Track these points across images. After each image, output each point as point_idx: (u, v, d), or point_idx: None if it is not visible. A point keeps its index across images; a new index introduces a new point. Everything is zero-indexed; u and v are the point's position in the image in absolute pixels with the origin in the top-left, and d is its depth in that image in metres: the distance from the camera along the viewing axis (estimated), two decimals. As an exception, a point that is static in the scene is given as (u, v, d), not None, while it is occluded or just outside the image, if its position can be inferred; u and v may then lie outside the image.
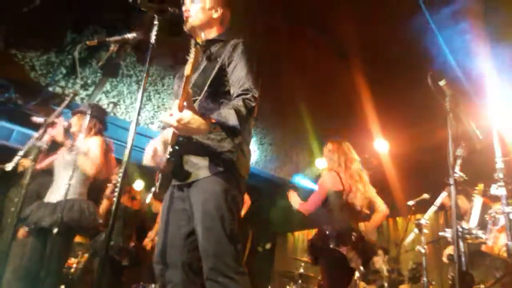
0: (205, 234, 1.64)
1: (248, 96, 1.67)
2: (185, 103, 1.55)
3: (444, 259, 3.71)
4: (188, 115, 1.52)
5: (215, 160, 1.71)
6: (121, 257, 4.25)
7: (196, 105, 1.77)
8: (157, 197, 1.86)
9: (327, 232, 3.09)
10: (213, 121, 1.58)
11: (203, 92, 1.80)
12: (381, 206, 3.30)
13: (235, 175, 1.74)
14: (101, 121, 3.26)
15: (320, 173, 3.60)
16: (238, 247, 1.66)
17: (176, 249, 1.74)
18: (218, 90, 1.80)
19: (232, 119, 1.59)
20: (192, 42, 1.49)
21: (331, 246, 3.05)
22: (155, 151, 1.84)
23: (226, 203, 1.67)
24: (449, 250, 3.67)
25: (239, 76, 1.75)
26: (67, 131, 3.04)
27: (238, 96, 1.70)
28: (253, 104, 1.67)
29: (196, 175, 1.72)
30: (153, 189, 1.82)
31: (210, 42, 1.94)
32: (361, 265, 3.16)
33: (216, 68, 1.80)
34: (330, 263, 3.11)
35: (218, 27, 2.01)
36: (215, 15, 1.97)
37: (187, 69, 1.51)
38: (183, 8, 1.92)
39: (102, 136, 3.19)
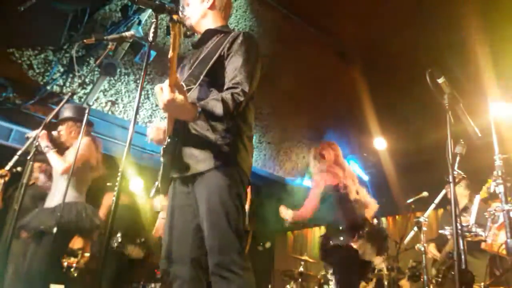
0: (211, 230, 1.63)
1: (237, 90, 1.65)
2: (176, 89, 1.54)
3: (429, 255, 3.75)
4: (181, 99, 1.52)
5: (215, 153, 1.68)
6: (130, 252, 4.30)
7: (189, 94, 1.74)
8: (161, 191, 1.84)
9: (340, 228, 3.09)
10: (199, 109, 1.57)
11: (198, 81, 1.78)
12: (372, 203, 3.41)
13: (238, 169, 1.72)
14: (87, 121, 3.27)
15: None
16: (243, 242, 1.65)
17: (185, 245, 1.72)
18: (214, 82, 1.77)
19: (218, 111, 1.57)
20: (168, 19, 1.46)
21: (342, 243, 3.07)
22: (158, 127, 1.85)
23: (231, 198, 1.65)
24: (432, 247, 3.73)
25: (233, 68, 1.72)
26: (56, 139, 3.06)
27: (228, 89, 1.68)
28: (242, 99, 1.64)
29: (196, 168, 1.69)
30: (156, 183, 1.81)
31: (211, 33, 1.92)
32: (376, 254, 3.21)
33: (214, 59, 1.77)
34: (341, 261, 3.15)
35: (217, 14, 1.98)
36: (207, 4, 1.95)
37: (170, 49, 1.48)
38: (183, 16, 1.91)
39: (90, 136, 3.21)
